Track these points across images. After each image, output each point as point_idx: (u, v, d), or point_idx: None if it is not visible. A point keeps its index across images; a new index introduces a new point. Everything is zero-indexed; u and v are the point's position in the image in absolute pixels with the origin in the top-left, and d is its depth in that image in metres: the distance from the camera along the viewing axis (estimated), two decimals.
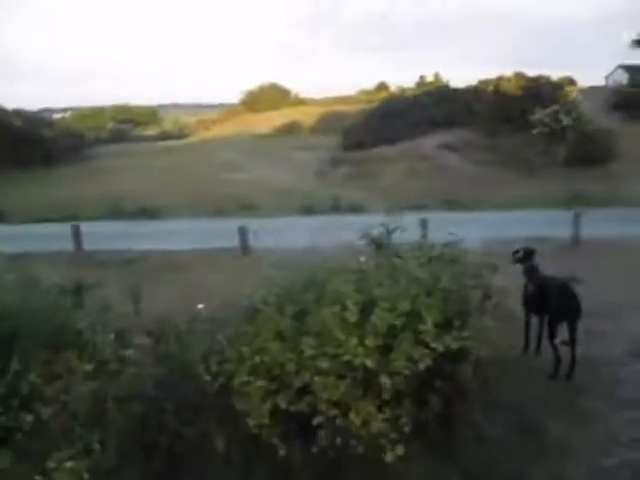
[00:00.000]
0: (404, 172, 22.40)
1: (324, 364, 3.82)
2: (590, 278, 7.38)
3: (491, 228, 14.22)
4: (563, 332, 6.01)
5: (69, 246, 12.55)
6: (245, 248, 11.90)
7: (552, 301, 6.13)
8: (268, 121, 44.37)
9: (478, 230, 13.98)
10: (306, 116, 43.79)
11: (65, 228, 12.89)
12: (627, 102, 27.07)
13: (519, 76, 24.62)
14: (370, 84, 54.65)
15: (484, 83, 25.66)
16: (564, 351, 5.94)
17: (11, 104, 34.47)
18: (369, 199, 18.94)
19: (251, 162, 29.09)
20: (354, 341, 3.85)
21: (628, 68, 37.53)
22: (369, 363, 3.82)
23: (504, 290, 5.10)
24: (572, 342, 6.03)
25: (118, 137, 46.18)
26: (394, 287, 4.22)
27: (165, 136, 48.02)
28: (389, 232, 6.42)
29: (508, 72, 25.28)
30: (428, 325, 3.97)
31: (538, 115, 22.28)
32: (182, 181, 22.56)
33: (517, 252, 6.65)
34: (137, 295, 6.55)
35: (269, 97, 47.86)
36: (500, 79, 24.90)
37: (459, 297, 4.49)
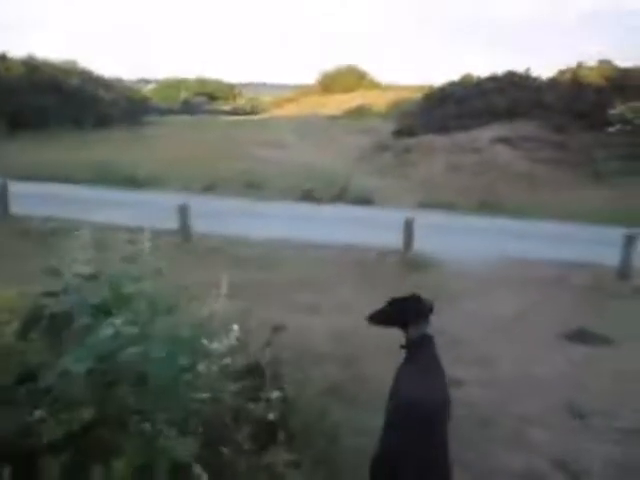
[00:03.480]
0: (449, 165, 19.54)
1: None
2: None
3: (519, 242, 11.29)
4: None
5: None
6: (186, 230, 9.95)
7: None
8: (339, 103, 42.48)
9: (501, 242, 11.16)
10: (380, 101, 41.49)
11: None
12: None
13: (604, 64, 20.53)
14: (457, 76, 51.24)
15: (563, 72, 21.77)
16: None
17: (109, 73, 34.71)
18: (394, 192, 16.44)
19: (297, 141, 27.23)
20: None
21: None
22: None
23: None
24: None
25: (190, 109, 45.97)
26: None
27: (237, 112, 47.30)
28: None
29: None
30: None
31: (619, 110, 18.50)
32: (204, 154, 20.94)
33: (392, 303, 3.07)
34: None
35: (344, 79, 45.62)
36: (580, 67, 20.99)
37: None
